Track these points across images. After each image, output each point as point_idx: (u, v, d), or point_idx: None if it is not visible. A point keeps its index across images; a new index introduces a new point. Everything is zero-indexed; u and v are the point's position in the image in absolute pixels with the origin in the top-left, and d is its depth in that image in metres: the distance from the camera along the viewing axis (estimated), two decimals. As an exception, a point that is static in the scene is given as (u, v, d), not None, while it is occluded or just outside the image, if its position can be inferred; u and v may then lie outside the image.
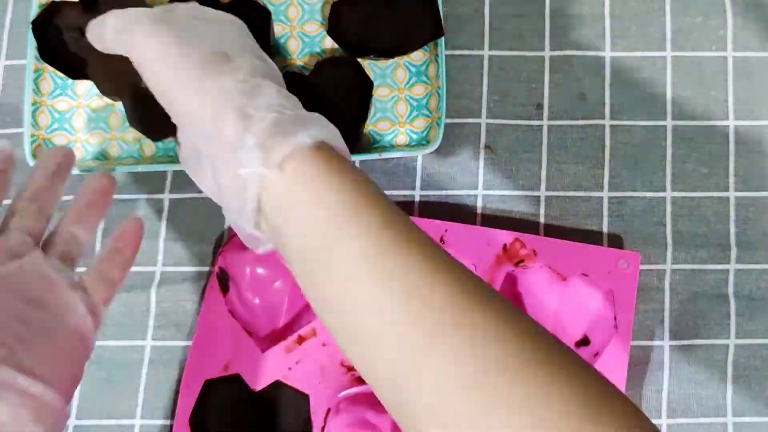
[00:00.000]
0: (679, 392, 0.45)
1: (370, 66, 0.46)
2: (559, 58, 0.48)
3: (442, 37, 0.45)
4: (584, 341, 0.45)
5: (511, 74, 0.48)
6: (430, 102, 0.46)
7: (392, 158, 0.47)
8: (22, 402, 0.29)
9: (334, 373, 0.44)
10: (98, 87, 0.44)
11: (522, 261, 0.44)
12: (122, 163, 0.45)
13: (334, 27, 0.45)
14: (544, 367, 0.27)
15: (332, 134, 0.34)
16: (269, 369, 0.44)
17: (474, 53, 0.48)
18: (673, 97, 0.48)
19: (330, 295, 0.31)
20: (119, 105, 0.46)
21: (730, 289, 0.46)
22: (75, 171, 0.45)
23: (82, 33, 0.44)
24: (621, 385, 0.43)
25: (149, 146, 0.46)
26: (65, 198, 0.37)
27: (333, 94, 0.45)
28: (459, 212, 0.47)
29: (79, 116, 0.45)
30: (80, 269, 0.35)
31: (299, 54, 0.46)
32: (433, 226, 0.45)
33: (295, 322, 0.45)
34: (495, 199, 0.47)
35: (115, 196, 0.46)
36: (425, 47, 0.46)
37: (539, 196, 0.47)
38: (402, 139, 0.46)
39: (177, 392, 0.44)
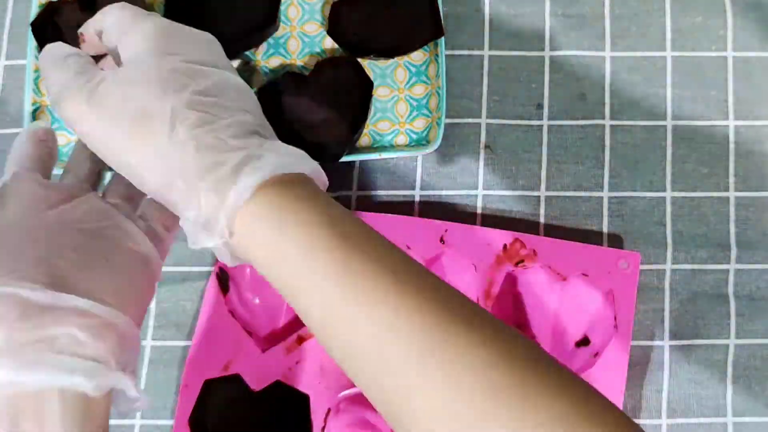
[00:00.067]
0: (679, 392, 0.45)
1: (370, 66, 0.46)
2: (559, 58, 0.48)
3: (442, 37, 0.45)
4: (584, 341, 0.45)
5: (511, 74, 0.48)
6: (430, 102, 0.46)
7: (392, 158, 0.47)
8: (81, 322, 0.29)
9: (334, 373, 0.44)
10: None
11: (522, 261, 0.44)
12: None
13: (334, 27, 0.45)
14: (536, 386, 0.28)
15: (283, 163, 0.32)
16: (269, 369, 0.44)
17: (474, 53, 0.48)
18: (673, 97, 0.48)
19: (306, 318, 0.32)
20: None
21: (730, 289, 0.46)
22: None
23: None
24: (621, 385, 0.43)
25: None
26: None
27: (333, 94, 0.45)
28: (459, 212, 0.47)
29: (79, 116, 0.45)
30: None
31: (299, 54, 0.46)
32: (433, 226, 0.45)
33: (295, 322, 0.45)
34: (495, 199, 0.47)
35: (115, 196, 0.47)
36: (425, 47, 0.46)
37: (539, 196, 0.47)
38: (402, 139, 0.46)
39: (177, 392, 0.44)
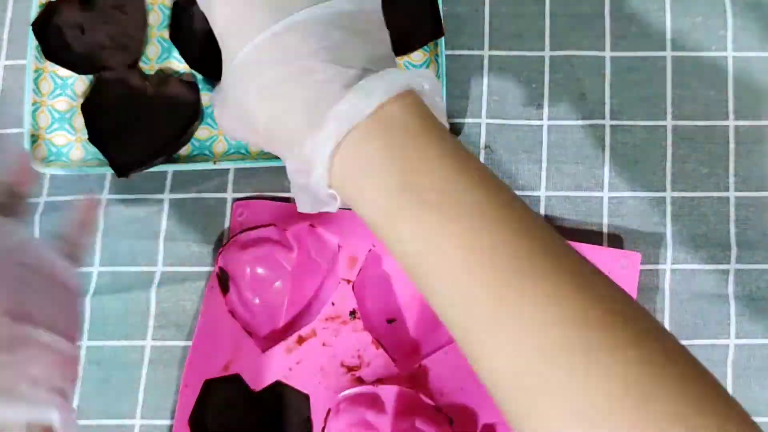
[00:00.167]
0: (679, 392, 0.45)
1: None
2: (559, 58, 0.48)
3: (442, 37, 0.45)
4: (584, 341, 0.45)
5: (511, 74, 0.48)
6: (430, 102, 0.46)
7: (392, 158, 0.47)
8: (49, 355, 0.29)
9: (334, 373, 0.44)
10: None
11: (522, 261, 0.44)
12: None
13: None
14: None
15: (397, 84, 0.30)
16: (269, 369, 0.44)
17: (474, 53, 0.48)
18: (673, 97, 0.47)
19: (400, 259, 0.31)
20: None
21: (730, 289, 0.46)
22: (74, 172, 0.45)
23: (82, 31, 0.45)
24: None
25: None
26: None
27: None
28: (459, 212, 0.47)
29: (79, 116, 0.45)
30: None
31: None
32: (433, 226, 0.45)
33: (295, 322, 0.45)
34: (495, 199, 0.47)
35: (116, 196, 0.47)
36: (425, 47, 0.46)
37: (539, 196, 0.47)
38: (402, 139, 0.46)
39: (177, 392, 0.44)
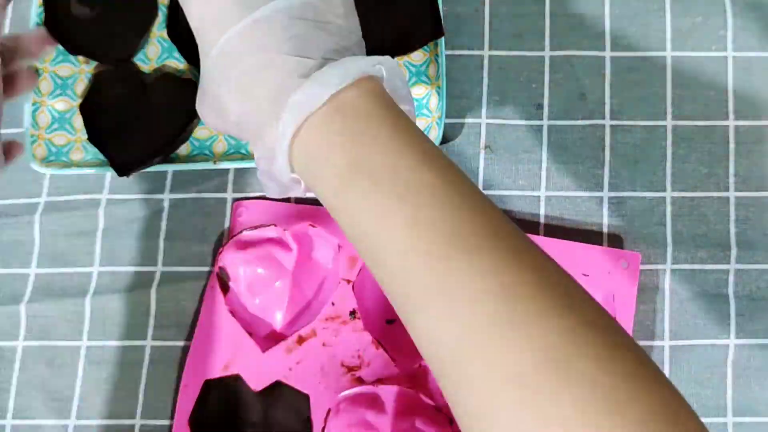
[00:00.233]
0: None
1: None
2: (559, 58, 0.48)
3: (442, 37, 0.45)
4: (584, 341, 0.45)
5: (511, 74, 0.48)
6: (430, 102, 0.46)
7: (392, 158, 0.47)
8: None
9: (334, 373, 0.44)
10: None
11: (522, 261, 0.44)
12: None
13: None
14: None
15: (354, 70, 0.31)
16: (269, 369, 0.44)
17: (474, 53, 0.48)
18: (673, 97, 0.47)
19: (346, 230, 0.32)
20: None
21: (730, 289, 0.46)
22: (74, 171, 0.45)
23: (90, 11, 0.44)
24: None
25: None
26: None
27: None
28: (459, 212, 0.47)
29: (78, 116, 0.45)
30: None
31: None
32: (433, 226, 0.45)
33: (295, 322, 0.45)
34: (495, 199, 0.47)
35: (115, 196, 0.47)
36: (425, 47, 0.46)
37: (539, 196, 0.47)
38: (402, 139, 0.46)
39: (177, 392, 0.44)
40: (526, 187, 0.47)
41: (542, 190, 0.47)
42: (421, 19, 0.45)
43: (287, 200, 0.47)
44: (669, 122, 0.47)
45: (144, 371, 0.45)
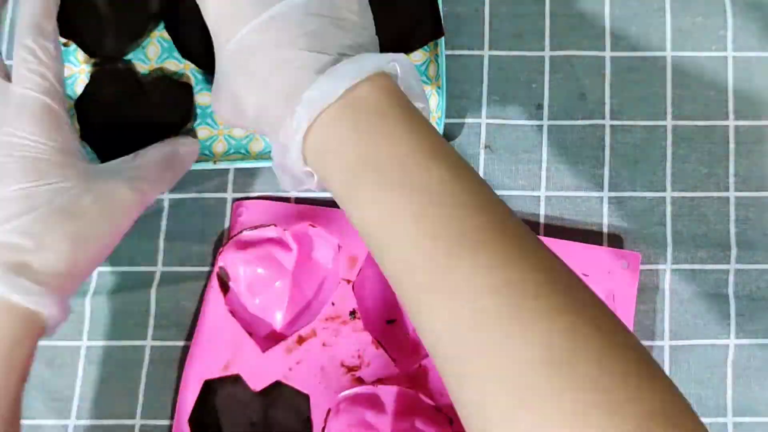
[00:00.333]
0: (679, 392, 0.45)
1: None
2: (559, 58, 0.48)
3: (442, 37, 0.45)
4: (584, 341, 0.45)
5: (511, 74, 0.48)
6: (430, 102, 0.46)
7: (392, 158, 0.47)
8: None
9: (334, 373, 0.44)
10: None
11: (522, 261, 0.44)
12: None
13: None
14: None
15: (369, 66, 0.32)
16: (269, 369, 0.44)
17: (474, 53, 0.48)
18: (673, 97, 0.47)
19: (358, 227, 0.32)
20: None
21: (730, 289, 0.46)
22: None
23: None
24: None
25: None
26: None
27: None
28: (459, 212, 0.46)
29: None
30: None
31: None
32: (433, 226, 0.45)
33: (295, 322, 0.45)
34: (495, 199, 0.47)
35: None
36: (425, 47, 0.46)
37: (539, 196, 0.47)
38: (402, 139, 0.46)
39: (177, 392, 0.44)
40: (526, 187, 0.47)
41: (542, 190, 0.47)
42: (421, 19, 0.45)
43: (287, 200, 0.47)
44: (669, 122, 0.47)
45: (144, 371, 0.45)
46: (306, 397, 0.44)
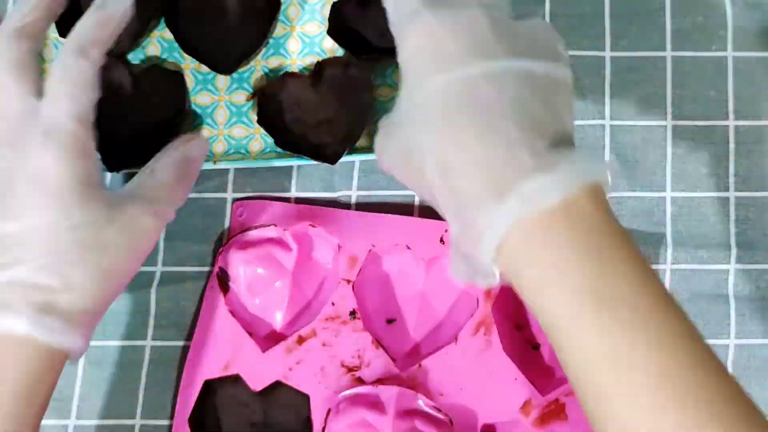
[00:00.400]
0: (679, 392, 0.45)
1: (371, 65, 0.46)
2: (559, 58, 0.48)
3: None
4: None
5: (511, 74, 0.48)
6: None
7: (392, 158, 0.47)
8: None
9: (334, 373, 0.44)
10: None
11: (522, 261, 0.44)
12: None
13: (334, 27, 0.45)
14: None
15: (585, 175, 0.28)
16: (269, 369, 0.44)
17: (474, 53, 0.48)
18: (673, 97, 0.47)
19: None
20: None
21: (730, 289, 0.46)
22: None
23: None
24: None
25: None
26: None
27: (333, 94, 0.45)
28: (459, 212, 0.46)
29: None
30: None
31: (299, 54, 0.46)
32: (433, 227, 0.45)
33: (295, 322, 0.45)
34: (495, 199, 0.46)
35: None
36: (425, 47, 0.46)
37: (539, 196, 0.47)
38: (402, 139, 0.46)
39: (177, 392, 0.44)
40: (526, 187, 0.47)
41: (542, 190, 0.47)
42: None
43: (287, 200, 0.47)
44: (669, 122, 0.47)
45: (144, 371, 0.45)
46: (306, 397, 0.44)
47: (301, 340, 0.44)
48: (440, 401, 0.43)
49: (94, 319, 0.36)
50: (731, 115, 0.47)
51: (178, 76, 0.45)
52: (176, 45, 0.45)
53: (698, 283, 0.46)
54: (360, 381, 0.44)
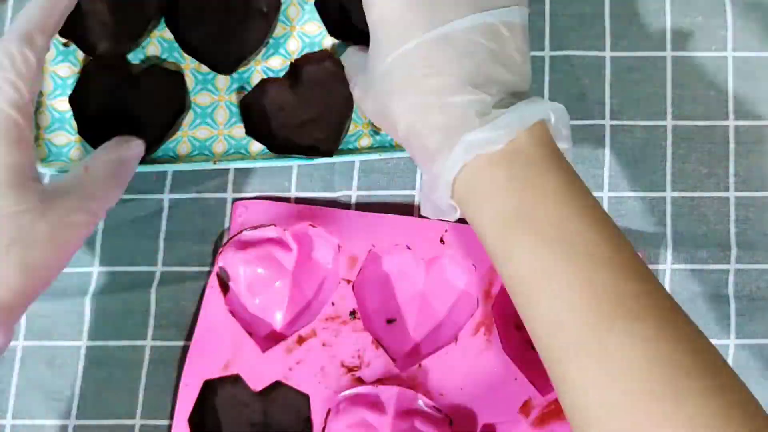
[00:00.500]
0: (679, 392, 0.45)
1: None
2: (559, 58, 0.48)
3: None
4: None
5: (511, 74, 0.48)
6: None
7: (392, 158, 0.47)
8: None
9: (334, 373, 0.44)
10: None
11: (522, 261, 0.44)
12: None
13: (325, 16, 0.45)
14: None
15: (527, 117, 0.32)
16: (269, 369, 0.44)
17: (474, 53, 0.48)
18: (673, 97, 0.47)
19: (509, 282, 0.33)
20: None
21: (730, 289, 0.46)
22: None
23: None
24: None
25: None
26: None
27: (313, 92, 0.44)
28: (459, 212, 0.47)
29: (78, 116, 0.45)
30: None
31: (299, 54, 0.46)
32: (433, 227, 0.45)
33: (295, 322, 0.45)
34: (495, 199, 0.47)
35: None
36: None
37: (539, 196, 0.47)
38: (402, 139, 0.46)
39: (177, 392, 0.44)
40: (526, 187, 0.47)
41: (542, 190, 0.47)
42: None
43: (287, 200, 0.47)
44: (669, 122, 0.47)
45: (144, 371, 0.45)
46: (306, 397, 0.44)
47: (301, 340, 0.44)
48: (440, 401, 0.43)
49: (14, 314, 0.35)
50: (731, 115, 0.47)
51: (178, 76, 0.45)
52: (176, 45, 0.45)
53: (698, 283, 0.46)
54: (360, 381, 0.44)
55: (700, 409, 0.28)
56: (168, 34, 0.45)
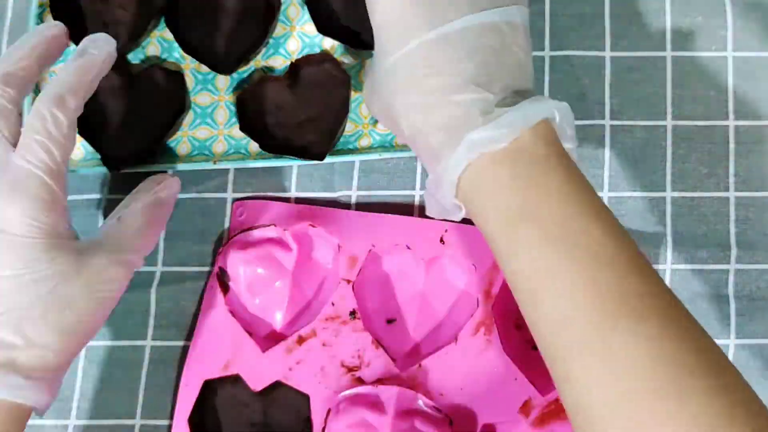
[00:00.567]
0: (679, 392, 0.45)
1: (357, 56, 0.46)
2: (559, 58, 0.48)
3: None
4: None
5: (511, 74, 0.48)
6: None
7: (392, 158, 0.47)
8: None
9: (334, 373, 0.44)
10: None
11: (522, 261, 0.44)
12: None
13: (324, 21, 0.45)
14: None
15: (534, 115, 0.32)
16: (269, 369, 0.44)
17: (474, 53, 0.48)
18: (673, 97, 0.47)
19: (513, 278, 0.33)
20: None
21: (730, 289, 0.46)
22: (74, 171, 0.45)
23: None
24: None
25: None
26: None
27: (312, 93, 0.44)
28: (459, 212, 0.46)
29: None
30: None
31: (299, 54, 0.46)
32: (433, 227, 0.45)
33: (295, 322, 0.45)
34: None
35: (116, 196, 0.47)
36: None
37: (539, 196, 0.47)
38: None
39: (177, 392, 0.44)
40: (526, 187, 0.47)
41: (542, 190, 0.47)
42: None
43: (287, 200, 0.47)
44: (669, 122, 0.47)
45: (144, 371, 0.45)
46: (306, 397, 0.44)
47: (301, 340, 0.44)
48: (440, 401, 0.43)
49: (58, 374, 0.36)
50: (731, 115, 0.47)
51: (178, 76, 0.45)
52: (176, 45, 0.45)
53: (698, 283, 0.46)
54: (360, 381, 0.44)
55: (703, 408, 0.28)
56: (168, 34, 0.45)
